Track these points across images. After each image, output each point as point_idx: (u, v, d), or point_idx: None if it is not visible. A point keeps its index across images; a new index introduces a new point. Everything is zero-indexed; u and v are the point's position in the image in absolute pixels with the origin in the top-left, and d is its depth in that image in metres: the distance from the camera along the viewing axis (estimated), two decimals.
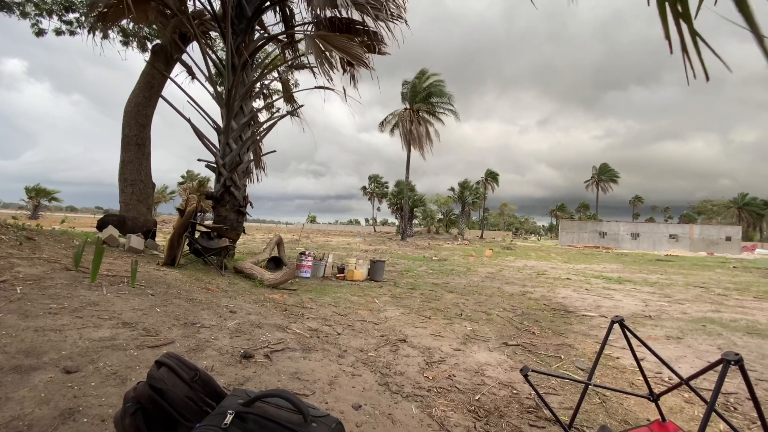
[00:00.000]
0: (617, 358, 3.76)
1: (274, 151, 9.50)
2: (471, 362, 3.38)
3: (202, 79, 7.90)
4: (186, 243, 6.56)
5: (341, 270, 7.85)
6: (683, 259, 23.15)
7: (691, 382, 1.67)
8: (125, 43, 11.24)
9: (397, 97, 32.61)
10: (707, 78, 0.92)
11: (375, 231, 65.30)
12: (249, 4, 7.94)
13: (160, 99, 9.09)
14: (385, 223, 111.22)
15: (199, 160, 8.13)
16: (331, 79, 7.83)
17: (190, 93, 7.87)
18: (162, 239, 9.78)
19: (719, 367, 1.29)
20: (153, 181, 9.75)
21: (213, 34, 10.07)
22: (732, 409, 2.81)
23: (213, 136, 8.02)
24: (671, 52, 0.97)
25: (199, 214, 7.34)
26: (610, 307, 6.31)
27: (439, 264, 12.85)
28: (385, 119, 33.55)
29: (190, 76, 9.17)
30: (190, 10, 8.53)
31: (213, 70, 8.07)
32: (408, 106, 31.76)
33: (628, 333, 1.78)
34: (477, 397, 2.67)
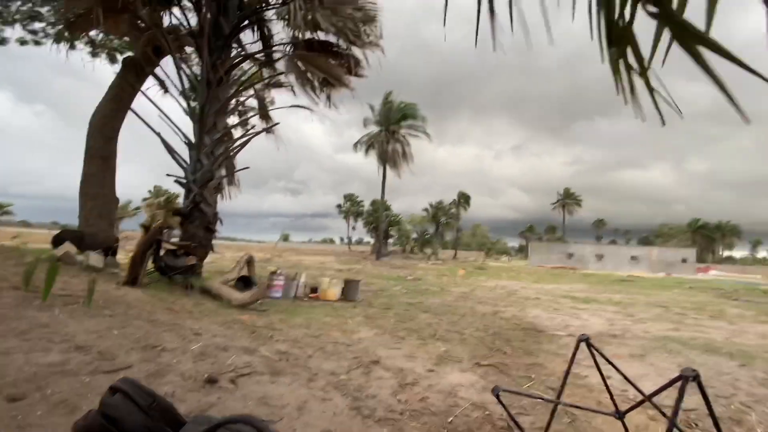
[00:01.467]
0: (585, 376, 3.84)
1: (248, 168, 9.37)
2: (444, 383, 3.35)
3: (175, 93, 7.77)
4: (150, 261, 6.25)
5: (314, 290, 7.69)
6: (644, 280, 24.28)
7: (654, 399, 1.73)
8: (94, 54, 10.92)
9: (374, 119, 33.21)
10: (663, 123, 0.99)
11: (350, 250, 64.75)
12: (227, 22, 7.96)
13: (129, 112, 8.83)
14: (360, 242, 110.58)
15: (168, 175, 7.87)
16: (314, 100, 7.91)
17: (162, 107, 7.70)
18: (124, 257, 9.28)
19: (679, 383, 1.34)
20: (117, 196, 9.32)
21: (189, 49, 9.97)
22: (693, 425, 2.92)
23: (184, 152, 7.83)
24: (626, 103, 1.05)
25: (165, 230, 7.05)
26: (578, 327, 6.48)
27: (413, 284, 12.84)
28: (360, 140, 34.00)
29: (163, 90, 8.99)
30: (165, 24, 8.46)
31: (187, 85, 7.95)
32: (381, 128, 32.38)
33: (594, 351, 1.83)
34: (450, 420, 2.64)
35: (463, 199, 64.15)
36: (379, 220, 36.51)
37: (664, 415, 1.52)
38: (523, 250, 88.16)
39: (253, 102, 11.31)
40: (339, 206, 70.80)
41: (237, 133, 10.20)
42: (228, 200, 10.14)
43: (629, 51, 1.12)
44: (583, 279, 22.00)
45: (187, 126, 7.92)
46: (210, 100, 7.45)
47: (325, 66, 6.95)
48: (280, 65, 8.58)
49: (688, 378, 1.26)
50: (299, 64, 6.92)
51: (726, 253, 78.87)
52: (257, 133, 8.67)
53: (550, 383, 3.60)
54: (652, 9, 1.01)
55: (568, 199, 75.16)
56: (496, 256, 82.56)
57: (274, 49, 8.77)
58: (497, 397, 1.68)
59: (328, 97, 8.78)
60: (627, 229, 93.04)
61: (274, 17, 8.67)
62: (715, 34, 0.96)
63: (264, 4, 8.29)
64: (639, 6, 1.06)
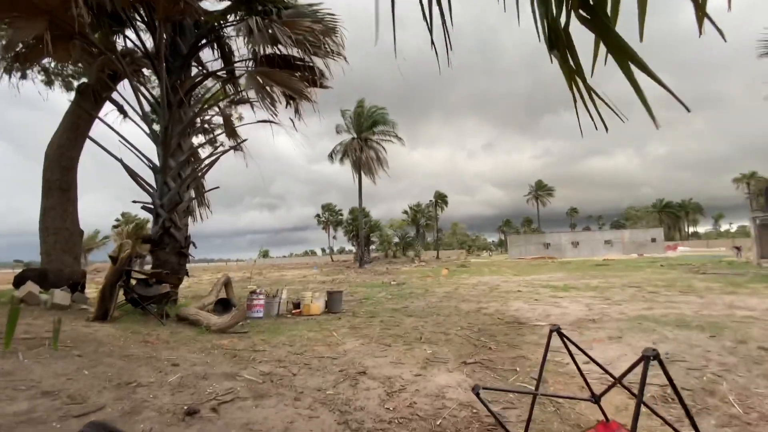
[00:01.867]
0: (567, 363, 3.94)
1: (218, 188, 9.18)
2: (431, 386, 3.37)
3: (136, 117, 7.55)
4: (121, 293, 6.00)
5: (297, 305, 7.57)
6: (619, 262, 25.22)
7: (633, 378, 1.80)
8: (48, 83, 10.47)
9: (346, 127, 33.26)
10: (606, 129, 1.06)
11: (332, 260, 64.22)
12: (184, 41, 7.83)
13: (88, 140, 8.50)
14: (342, 251, 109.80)
15: (134, 201, 7.62)
16: (276, 113, 7.84)
17: (123, 132, 7.46)
18: (93, 291, 8.87)
19: (642, 363, 1.41)
20: (81, 228, 8.91)
21: (147, 71, 9.72)
22: (669, 400, 3.04)
23: (149, 176, 7.60)
24: (574, 101, 1.11)
25: (135, 259, 6.79)
26: (558, 315, 6.65)
27: (397, 288, 12.86)
28: (333, 149, 33.92)
29: (122, 115, 8.71)
30: (120, 47, 8.23)
31: (147, 108, 7.74)
32: (355, 135, 32.47)
33: (565, 340, 1.89)
34: (438, 422, 2.65)
35: (440, 199, 64.92)
36: (359, 228, 36.41)
37: (632, 393, 1.59)
38: (503, 244, 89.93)
39: (219, 120, 11.14)
40: (318, 217, 70.17)
41: (204, 152, 10.01)
42: (200, 222, 9.89)
43: (569, 53, 1.19)
44: (562, 267, 22.62)
45: (151, 150, 7.71)
46: (172, 122, 7.28)
47: (286, 80, 6.93)
48: (244, 81, 8.49)
49: (650, 357, 1.33)
50: (259, 79, 6.86)
51: (691, 230, 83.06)
52: (225, 151, 8.52)
53: (535, 374, 3.67)
54: (585, 15, 1.07)
55: (540, 191, 77.40)
56: (478, 253, 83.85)
57: (235, 65, 8.67)
58: (477, 395, 1.71)
59: (296, 110, 8.74)
60: (599, 215, 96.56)
61: (234, 33, 8.59)
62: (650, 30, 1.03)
63: (221, 22, 8.20)
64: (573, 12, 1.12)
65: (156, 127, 8.26)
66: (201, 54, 8.98)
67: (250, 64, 8.08)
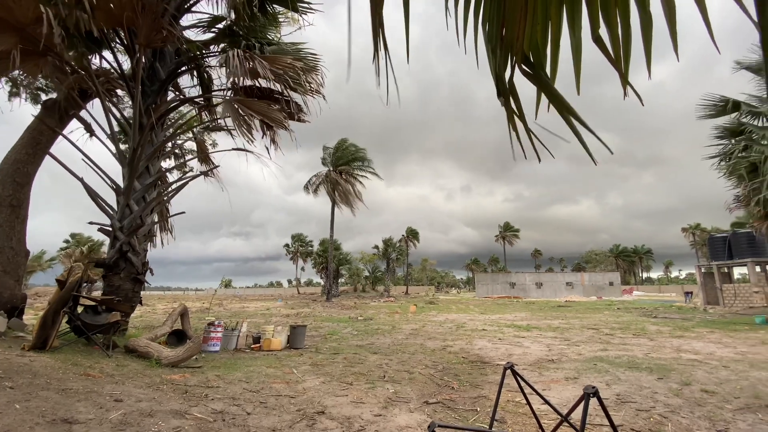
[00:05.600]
0: (525, 404, 3.97)
1: (183, 213, 8.89)
2: (392, 427, 3.28)
3: (103, 137, 7.34)
4: (65, 320, 5.54)
5: (257, 340, 7.23)
6: (579, 304, 26.04)
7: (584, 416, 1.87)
8: (15, 94, 10.04)
9: (326, 160, 33.68)
10: (539, 159, 1.20)
11: (299, 293, 62.19)
12: (163, 67, 7.86)
13: (48, 156, 8.11)
14: (309, 283, 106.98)
15: (91, 223, 7.22)
16: (252, 142, 7.86)
17: (88, 151, 7.20)
18: (32, 317, 8.11)
19: (585, 400, 1.48)
20: (27, 248, 8.27)
21: (120, 92, 9.58)
22: None
23: (111, 197, 7.29)
24: (512, 147, 1.25)
25: (85, 284, 6.34)
26: (520, 355, 6.73)
27: (364, 324, 12.58)
28: (309, 180, 33.97)
29: (89, 134, 8.44)
30: (95, 67, 8.12)
31: (116, 129, 7.56)
32: (331, 168, 32.82)
33: (518, 379, 1.94)
34: None
35: (412, 235, 65.53)
36: (329, 260, 35.84)
37: (575, 429, 1.65)
38: (470, 281, 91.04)
39: (191, 145, 10.99)
40: (287, 247, 68.61)
41: (173, 177, 9.77)
42: (161, 248, 9.44)
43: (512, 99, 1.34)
44: (526, 307, 23.06)
45: (115, 171, 7.46)
46: (143, 144, 7.12)
47: (264, 110, 7.05)
48: (221, 109, 8.54)
49: (589, 395, 1.40)
50: (237, 107, 6.94)
51: (645, 275, 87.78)
52: (194, 177, 8.36)
53: (496, 414, 3.67)
54: (527, 69, 1.22)
55: (507, 232, 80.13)
56: (446, 290, 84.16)
57: (213, 93, 8.74)
58: None
59: (272, 140, 8.81)
60: (561, 257, 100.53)
61: (215, 64, 8.72)
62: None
63: (203, 51, 8.33)
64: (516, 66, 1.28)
65: (124, 147, 8.05)
66: (179, 79, 9.02)
67: (229, 93, 8.18)
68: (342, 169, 32.27)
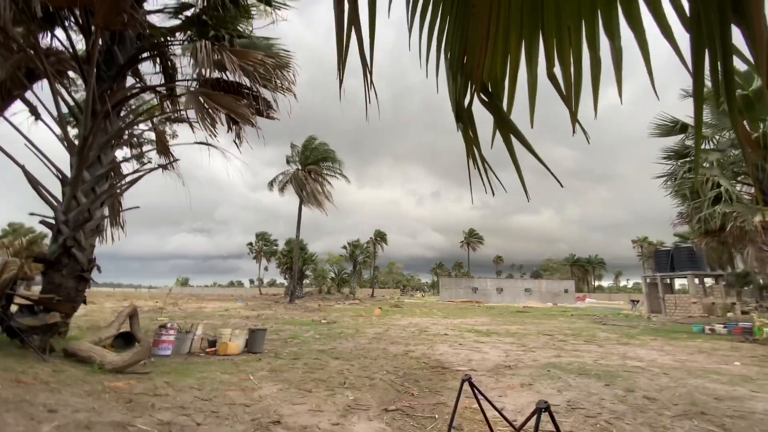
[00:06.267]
0: (486, 410, 4.08)
1: (138, 207, 8.39)
2: None
3: (50, 122, 6.80)
4: None
5: (212, 343, 6.95)
6: (536, 310, 27.16)
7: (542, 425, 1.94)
8: None
9: (294, 158, 33.03)
10: (493, 193, 1.24)
11: (261, 293, 60.52)
12: (122, 51, 7.41)
13: None
14: (273, 284, 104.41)
15: (31, 214, 6.66)
16: (215, 136, 7.57)
17: (33, 136, 6.64)
18: None
19: (536, 414, 1.54)
20: None
21: (73, 74, 8.92)
22: None
23: (56, 188, 6.76)
24: (469, 169, 1.28)
25: (20, 281, 5.83)
26: (479, 361, 6.91)
27: (327, 328, 12.44)
28: (275, 178, 33.21)
29: (34, 117, 7.79)
30: (45, 46, 7.52)
31: (66, 114, 7.04)
32: (299, 167, 32.26)
33: (476, 391, 1.99)
34: None
35: (380, 237, 65.70)
36: (294, 260, 35.15)
37: None
38: (435, 285, 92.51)
39: (151, 135, 10.43)
40: (250, 245, 66.64)
41: (128, 168, 9.22)
42: (111, 243, 8.86)
43: (469, 127, 1.37)
44: (486, 312, 23.74)
45: (63, 159, 6.93)
46: (95, 132, 6.67)
47: (230, 104, 6.81)
48: (184, 100, 8.17)
49: (541, 410, 1.46)
50: (201, 99, 6.67)
51: (597, 283, 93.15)
52: (152, 169, 7.93)
53: (453, 422, 3.73)
54: (484, 98, 1.26)
55: (471, 238, 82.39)
56: (412, 293, 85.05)
57: (177, 83, 8.34)
58: None
59: (238, 135, 8.54)
60: (521, 264, 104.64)
61: (180, 52, 8.33)
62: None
63: (168, 39, 7.94)
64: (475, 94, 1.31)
65: (74, 134, 7.50)
66: (140, 66, 8.54)
67: (194, 84, 7.84)
68: (311, 169, 31.81)
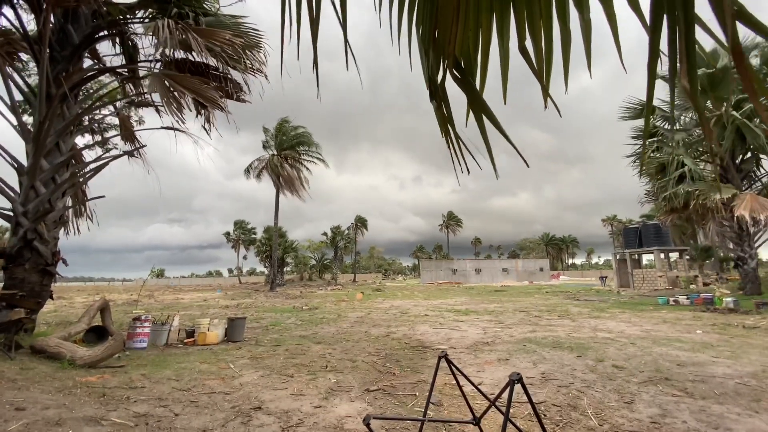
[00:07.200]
0: (463, 385, 4.21)
1: (103, 197, 7.99)
2: (331, 418, 3.29)
3: (2, 107, 6.32)
4: None
5: (191, 334, 6.83)
6: (513, 288, 28.07)
7: (514, 398, 2.01)
8: None
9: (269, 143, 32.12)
10: (468, 172, 1.23)
11: (240, 282, 59.81)
12: (77, 30, 6.91)
13: None
14: (252, 272, 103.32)
15: None
16: (183, 121, 7.24)
17: None
18: None
19: (510, 386, 1.59)
20: None
21: (25, 56, 8.28)
22: (544, 415, 3.43)
23: (13, 178, 6.35)
24: (450, 150, 1.26)
25: None
26: (458, 339, 7.10)
27: (309, 313, 12.45)
28: (251, 164, 32.34)
29: None
30: None
31: (20, 98, 6.56)
32: (275, 152, 31.51)
33: (452, 367, 2.03)
34: None
35: (360, 223, 65.76)
36: (273, 248, 34.73)
37: (502, 413, 1.77)
38: (416, 268, 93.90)
39: (114, 121, 9.89)
40: (228, 234, 65.33)
41: (91, 155, 8.75)
42: (79, 235, 8.46)
43: (443, 104, 1.35)
44: (466, 292, 24.33)
45: (17, 147, 6.49)
46: (51, 117, 6.25)
47: (197, 87, 6.50)
48: (147, 82, 7.74)
49: (514, 381, 1.51)
50: (166, 82, 6.33)
51: (570, 261, 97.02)
52: (117, 157, 7.54)
53: (433, 398, 3.84)
54: (456, 75, 1.24)
55: (450, 221, 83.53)
56: (393, 277, 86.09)
57: (139, 64, 7.89)
58: (368, 426, 1.74)
59: (207, 119, 8.21)
60: (498, 245, 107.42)
61: (141, 31, 7.85)
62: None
63: (127, 17, 7.45)
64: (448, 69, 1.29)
65: (29, 120, 7.02)
66: (98, 46, 8.01)
67: (158, 65, 7.43)
68: (287, 154, 31.11)
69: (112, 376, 4.39)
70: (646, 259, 25.93)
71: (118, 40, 8.10)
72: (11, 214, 6.09)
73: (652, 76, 0.88)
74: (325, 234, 61.24)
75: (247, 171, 32.45)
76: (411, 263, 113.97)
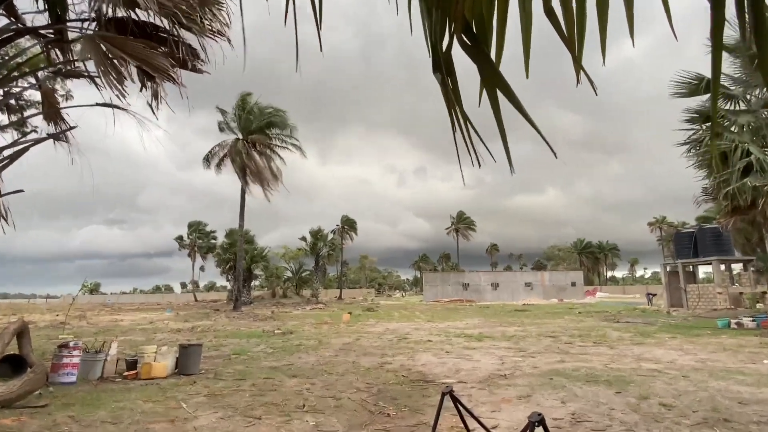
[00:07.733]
0: (473, 429, 4.23)
1: (21, 191, 7.89)
2: None
3: None
4: None
5: (132, 365, 6.81)
6: (538, 308, 28.27)
7: None
8: None
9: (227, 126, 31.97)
10: (479, 165, 1.23)
11: (196, 300, 59.45)
12: None
13: None
14: (212, 287, 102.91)
15: None
16: (124, 96, 7.19)
17: None
18: None
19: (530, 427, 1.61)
20: None
21: None
22: None
23: None
24: (453, 128, 1.26)
25: None
26: (469, 370, 7.14)
27: (282, 339, 12.44)
28: (211, 151, 32.15)
29: None
30: None
31: None
32: (240, 136, 31.32)
33: (458, 405, 2.04)
34: None
35: (348, 225, 65.59)
36: (238, 257, 34.59)
37: None
38: (418, 282, 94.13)
39: (36, 96, 9.80)
40: (180, 239, 64.92)
41: (7, 139, 8.65)
42: None
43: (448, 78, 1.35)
44: (479, 312, 24.46)
45: None
46: None
47: (142, 53, 6.46)
48: (79, 47, 7.68)
49: (535, 423, 1.52)
50: (103, 46, 6.29)
51: (610, 273, 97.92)
52: (39, 141, 7.46)
53: None
54: (466, 41, 1.23)
55: (460, 224, 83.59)
56: (389, 293, 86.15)
57: (68, 24, 7.82)
58: None
59: (155, 95, 8.16)
60: (521, 253, 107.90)
61: None
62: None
63: None
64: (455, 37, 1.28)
65: None
66: (16, 1, 7.93)
67: (93, 26, 7.38)
68: (254, 139, 30.91)
69: (32, 418, 4.36)
70: (702, 271, 26.30)
71: None
72: None
73: (718, 42, 0.88)
74: (304, 239, 60.94)
75: (206, 160, 32.28)
76: (411, 276, 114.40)
